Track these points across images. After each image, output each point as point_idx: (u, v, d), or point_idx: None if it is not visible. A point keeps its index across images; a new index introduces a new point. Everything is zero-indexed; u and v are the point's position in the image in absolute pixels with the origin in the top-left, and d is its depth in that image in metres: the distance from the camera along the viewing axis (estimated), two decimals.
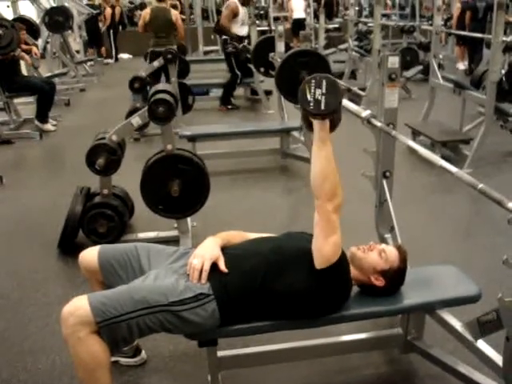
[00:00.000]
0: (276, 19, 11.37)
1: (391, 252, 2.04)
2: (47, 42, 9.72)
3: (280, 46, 5.33)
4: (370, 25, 10.02)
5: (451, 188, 4.28)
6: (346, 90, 7.26)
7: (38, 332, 2.68)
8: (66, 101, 8.31)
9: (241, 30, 7.77)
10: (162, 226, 3.65)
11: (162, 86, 3.51)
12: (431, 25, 6.94)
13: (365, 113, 2.36)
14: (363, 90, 7.86)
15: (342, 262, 1.92)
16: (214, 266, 1.93)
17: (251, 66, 7.04)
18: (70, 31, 10.57)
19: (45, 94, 6.63)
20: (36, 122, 6.79)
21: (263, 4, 13.80)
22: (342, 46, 9.87)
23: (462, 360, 2.18)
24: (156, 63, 6.03)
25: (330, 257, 1.86)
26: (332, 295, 1.94)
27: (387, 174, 2.60)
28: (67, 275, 3.25)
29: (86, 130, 5.92)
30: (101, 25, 13.36)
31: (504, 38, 4.78)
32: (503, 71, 5.22)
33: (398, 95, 2.50)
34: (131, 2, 19.02)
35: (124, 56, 14.31)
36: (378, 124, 2.33)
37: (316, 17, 11.22)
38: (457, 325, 2.12)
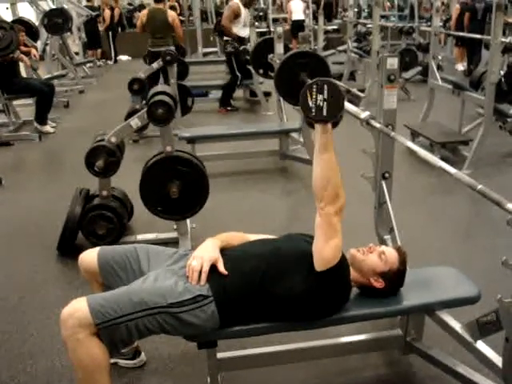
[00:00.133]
0: (275, 21, 11.36)
1: (391, 254, 2.04)
2: (46, 44, 9.71)
3: (279, 48, 5.33)
4: (368, 26, 10.03)
5: (450, 189, 4.28)
6: (345, 92, 7.27)
7: (37, 334, 2.67)
8: (65, 103, 8.32)
9: (242, 31, 7.78)
10: (161, 227, 3.65)
11: (161, 87, 3.51)
12: (430, 26, 6.94)
13: (364, 114, 2.36)
14: (362, 91, 7.87)
15: (342, 265, 1.92)
16: (214, 267, 1.92)
17: (250, 68, 7.05)
18: (69, 33, 10.59)
19: (44, 96, 6.62)
20: (35, 124, 6.79)
21: (262, 5, 13.78)
22: (341, 48, 9.88)
23: (462, 361, 2.17)
24: (155, 65, 6.03)
25: (330, 259, 1.85)
26: (332, 297, 1.94)
27: (386, 175, 2.61)
28: (66, 277, 3.25)
29: (85, 131, 5.93)
30: (100, 27, 13.38)
31: (503, 39, 4.80)
32: (502, 72, 5.23)
33: (397, 96, 2.50)
34: (130, 4, 19.06)
35: (123, 58, 14.31)
36: (377, 125, 2.33)
37: (315, 18, 11.23)
38: (456, 326, 2.12)
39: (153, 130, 5.52)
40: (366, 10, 15.10)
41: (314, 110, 1.73)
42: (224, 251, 2.01)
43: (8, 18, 8.43)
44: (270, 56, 5.48)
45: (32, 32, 8.43)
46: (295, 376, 2.34)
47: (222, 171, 5.03)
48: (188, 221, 3.60)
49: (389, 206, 2.61)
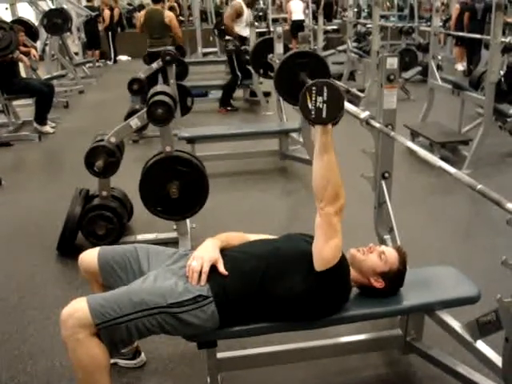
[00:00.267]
0: (275, 21, 11.36)
1: (391, 254, 2.04)
2: (46, 44, 9.71)
3: (279, 48, 5.33)
4: (368, 26, 10.03)
5: (450, 189, 4.28)
6: (344, 92, 7.28)
7: (37, 334, 2.67)
8: (65, 103, 8.32)
9: (244, 30, 7.79)
10: (161, 227, 3.65)
11: (160, 87, 3.51)
12: (430, 26, 6.94)
13: (364, 114, 2.36)
14: (362, 91, 7.87)
15: (342, 265, 1.92)
16: (214, 267, 1.92)
17: (250, 68, 7.05)
18: (68, 33, 10.58)
19: (43, 96, 6.62)
20: (35, 124, 6.79)
21: (262, 6, 13.79)
22: (340, 48, 9.87)
23: (462, 361, 2.18)
24: (155, 65, 6.03)
25: (330, 259, 1.86)
26: (331, 297, 1.94)
27: (386, 174, 2.61)
28: (66, 277, 3.25)
29: (84, 131, 5.93)
30: (100, 27, 13.38)
31: (502, 39, 4.79)
32: (502, 72, 5.23)
33: (397, 96, 2.50)
34: (130, 4, 19.04)
35: (123, 58, 14.31)
36: (377, 125, 2.33)
37: (315, 18, 11.22)
38: (456, 326, 2.12)
39: (152, 130, 5.53)
40: (365, 10, 15.10)
41: (313, 113, 1.72)
42: (224, 251, 2.01)
43: (7, 18, 8.43)
44: (270, 56, 5.48)
45: (31, 32, 8.42)
46: (295, 376, 2.35)
47: (222, 171, 5.03)
48: (188, 221, 3.60)
49: (388, 205, 2.61)
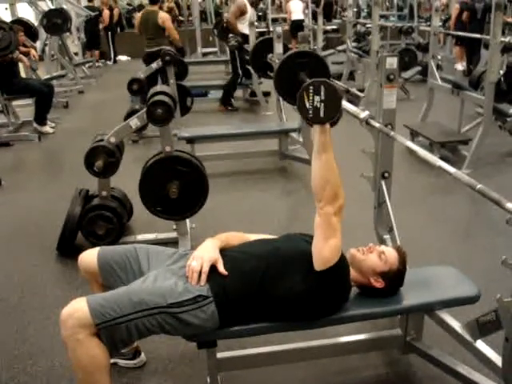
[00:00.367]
0: (274, 21, 11.35)
1: (391, 254, 2.04)
2: (45, 45, 9.71)
3: (278, 48, 5.33)
4: (368, 26, 10.02)
5: (450, 189, 4.28)
6: (344, 91, 7.28)
7: (37, 334, 2.67)
8: (65, 103, 8.31)
9: (247, 29, 7.81)
10: (161, 227, 3.65)
11: (160, 87, 3.51)
12: (429, 26, 6.94)
13: (363, 114, 2.36)
14: (362, 91, 7.87)
15: (342, 264, 1.92)
16: (213, 267, 1.92)
17: (250, 68, 7.05)
18: (68, 33, 10.57)
19: (43, 96, 6.63)
20: (34, 125, 6.78)
21: (262, 5, 13.79)
22: (340, 48, 9.87)
23: (461, 361, 2.18)
24: (154, 65, 6.03)
25: (329, 259, 1.86)
26: (331, 297, 1.94)
27: (386, 174, 2.61)
28: (66, 277, 3.25)
29: (84, 132, 5.93)
30: (101, 27, 13.38)
31: (502, 39, 4.79)
32: (501, 72, 5.23)
33: (397, 96, 2.50)
34: (129, 4, 19.05)
35: (122, 58, 14.31)
36: (377, 125, 2.33)
37: (314, 18, 11.22)
38: (456, 325, 2.13)
39: (152, 130, 5.53)
40: (365, 10, 15.09)
41: (311, 112, 1.73)
42: (224, 251, 2.01)
43: (7, 18, 8.43)
44: (270, 56, 5.48)
45: (31, 32, 8.42)
46: (295, 376, 2.35)
47: (222, 171, 5.03)
48: (187, 221, 3.60)
49: (388, 205, 2.61)
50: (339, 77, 8.75)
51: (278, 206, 4.38)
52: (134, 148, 5.81)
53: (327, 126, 1.78)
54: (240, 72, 7.58)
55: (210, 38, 12.33)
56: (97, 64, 13.05)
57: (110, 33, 13.67)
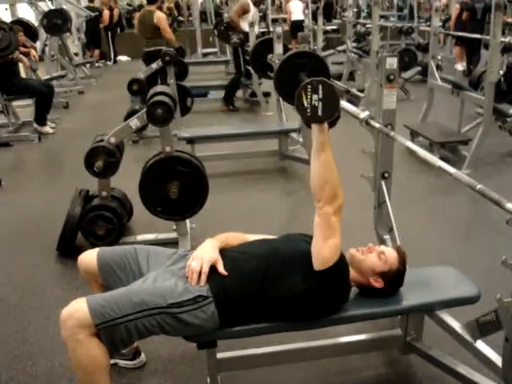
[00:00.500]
0: (274, 21, 11.36)
1: (390, 254, 2.04)
2: (46, 45, 9.71)
3: (278, 48, 5.33)
4: (368, 26, 10.03)
5: (450, 189, 4.28)
6: (344, 92, 7.28)
7: (37, 335, 2.67)
8: (65, 103, 8.31)
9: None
10: (161, 227, 3.65)
11: (160, 87, 3.51)
12: (429, 26, 6.94)
13: (363, 114, 2.36)
14: (362, 91, 7.87)
15: (341, 264, 1.92)
16: (213, 268, 1.93)
17: (250, 68, 7.06)
18: (68, 34, 10.58)
19: (43, 97, 6.63)
20: (35, 125, 6.78)
21: (262, 6, 13.79)
22: (340, 48, 9.87)
23: (461, 361, 2.18)
24: (154, 65, 6.03)
25: (328, 258, 1.86)
26: (331, 296, 1.94)
27: (386, 174, 2.61)
28: (66, 278, 3.25)
29: (84, 132, 5.93)
30: (101, 27, 13.38)
31: (502, 39, 4.79)
32: (501, 72, 5.22)
33: (397, 96, 2.50)
34: (130, 5, 19.05)
35: (122, 58, 14.32)
36: (377, 125, 2.33)
37: (314, 18, 11.22)
38: (456, 326, 2.12)
39: (152, 131, 5.53)
40: (365, 10, 15.09)
41: (309, 111, 1.73)
42: (223, 252, 2.02)
43: (7, 18, 8.43)
44: (270, 56, 5.48)
45: (31, 33, 8.42)
46: (295, 376, 2.35)
47: (222, 171, 5.03)
48: (188, 221, 3.60)
49: (388, 205, 2.61)
50: (339, 77, 8.75)
51: (278, 207, 4.38)
52: (134, 148, 5.82)
53: (325, 125, 1.79)
54: (243, 70, 7.60)
55: (210, 39, 12.33)
56: (97, 64, 13.06)
57: (109, 33, 13.67)
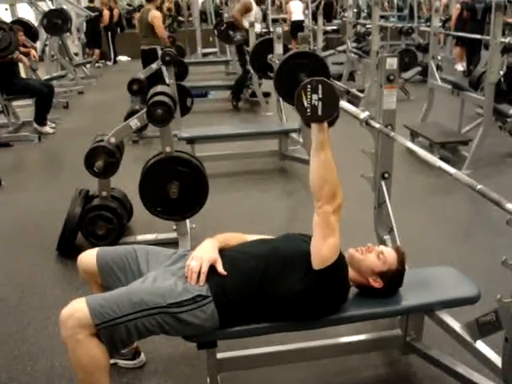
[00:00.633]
0: (275, 21, 11.36)
1: (389, 254, 2.04)
2: (46, 45, 9.71)
3: (278, 48, 5.33)
4: (368, 26, 10.03)
5: (450, 189, 4.28)
6: (344, 92, 7.27)
7: (37, 335, 2.67)
8: (65, 103, 8.31)
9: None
10: (161, 228, 3.65)
11: (160, 88, 3.51)
12: (429, 26, 6.94)
13: (363, 114, 2.36)
14: (362, 91, 7.88)
15: (340, 263, 1.92)
16: (213, 268, 1.93)
17: (250, 68, 7.07)
18: (68, 34, 10.58)
19: (43, 97, 6.63)
20: (34, 125, 6.78)
21: (262, 6, 13.79)
22: (340, 48, 9.87)
23: (461, 361, 2.18)
24: (154, 65, 6.03)
25: (327, 258, 1.86)
26: (329, 296, 1.94)
27: (386, 175, 2.61)
28: (66, 278, 3.25)
29: (84, 132, 5.93)
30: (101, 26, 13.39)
31: (502, 39, 4.79)
32: (501, 72, 5.22)
33: (397, 96, 2.50)
34: (129, 5, 19.05)
35: (122, 58, 14.32)
36: (377, 125, 2.33)
37: (314, 19, 11.22)
38: (456, 326, 2.12)
39: (152, 131, 5.53)
40: (365, 11, 15.09)
41: (309, 110, 1.74)
42: (223, 251, 2.02)
43: (7, 18, 8.43)
44: (270, 56, 5.48)
45: (31, 33, 8.42)
46: (295, 376, 2.35)
47: (222, 171, 5.03)
48: (188, 221, 3.60)
49: (388, 206, 2.61)
50: (339, 77, 8.74)
51: (278, 207, 4.38)
52: (134, 148, 5.82)
53: (325, 124, 1.79)
54: (248, 68, 7.61)
55: (210, 39, 12.33)
56: (97, 64, 13.06)
57: (109, 33, 13.66)
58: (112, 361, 2.06)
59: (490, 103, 4.83)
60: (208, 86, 8.59)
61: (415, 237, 3.46)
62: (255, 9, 8.01)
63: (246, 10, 7.84)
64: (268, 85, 6.73)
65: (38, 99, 6.65)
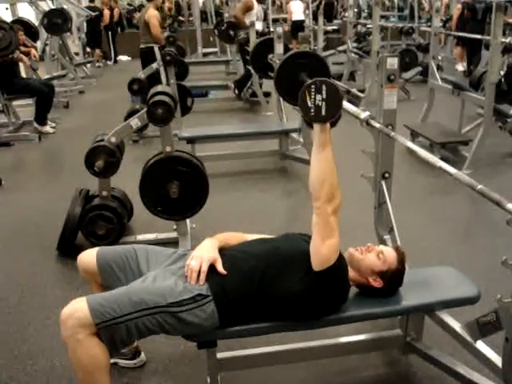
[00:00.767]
0: (275, 21, 11.36)
1: (389, 253, 2.04)
2: (46, 45, 9.70)
3: (279, 48, 5.33)
4: (368, 26, 10.03)
5: (450, 189, 4.28)
6: (345, 92, 7.28)
7: (37, 334, 2.67)
8: (65, 103, 8.32)
9: (255, 23, 7.87)
10: (161, 227, 3.65)
11: (160, 87, 3.51)
12: (430, 26, 6.94)
13: (364, 114, 2.36)
14: (362, 91, 7.88)
15: (340, 264, 1.91)
16: (212, 267, 1.93)
17: (250, 68, 7.07)
18: (68, 33, 10.57)
19: (44, 96, 6.63)
20: (35, 125, 6.78)
21: (262, 6, 13.79)
22: (340, 48, 9.87)
23: (462, 361, 2.18)
24: (155, 65, 6.03)
25: (327, 258, 1.86)
26: (330, 296, 1.94)
27: (386, 175, 2.61)
28: (66, 277, 3.25)
29: (84, 132, 5.93)
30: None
31: (503, 40, 4.79)
32: (502, 72, 5.23)
33: (397, 96, 2.50)
34: (130, 4, 19.05)
35: (123, 58, 14.32)
36: (377, 125, 2.33)
37: (315, 18, 11.22)
38: (456, 326, 2.12)
39: (153, 131, 5.53)
40: (365, 11, 15.09)
41: (312, 110, 1.74)
42: (223, 251, 2.02)
43: (8, 18, 8.42)
44: (270, 56, 5.47)
45: (32, 32, 8.43)
46: (295, 376, 2.34)
47: (222, 171, 5.03)
48: (188, 221, 3.60)
49: (388, 205, 2.61)
50: (340, 77, 8.74)
51: (278, 207, 4.38)
52: (135, 148, 5.82)
53: (327, 125, 1.79)
54: (250, 67, 7.63)
55: (211, 39, 12.33)
56: (97, 64, 13.07)
57: (110, 33, 13.67)
58: (112, 360, 2.06)
59: (491, 103, 4.83)
60: (208, 86, 8.59)
61: (415, 237, 3.46)
62: (257, 7, 8.04)
63: (248, 8, 7.88)
64: (268, 84, 6.73)
65: (38, 99, 6.65)
